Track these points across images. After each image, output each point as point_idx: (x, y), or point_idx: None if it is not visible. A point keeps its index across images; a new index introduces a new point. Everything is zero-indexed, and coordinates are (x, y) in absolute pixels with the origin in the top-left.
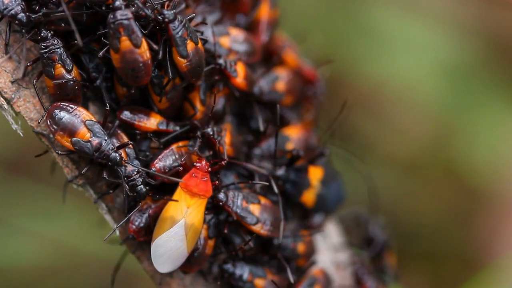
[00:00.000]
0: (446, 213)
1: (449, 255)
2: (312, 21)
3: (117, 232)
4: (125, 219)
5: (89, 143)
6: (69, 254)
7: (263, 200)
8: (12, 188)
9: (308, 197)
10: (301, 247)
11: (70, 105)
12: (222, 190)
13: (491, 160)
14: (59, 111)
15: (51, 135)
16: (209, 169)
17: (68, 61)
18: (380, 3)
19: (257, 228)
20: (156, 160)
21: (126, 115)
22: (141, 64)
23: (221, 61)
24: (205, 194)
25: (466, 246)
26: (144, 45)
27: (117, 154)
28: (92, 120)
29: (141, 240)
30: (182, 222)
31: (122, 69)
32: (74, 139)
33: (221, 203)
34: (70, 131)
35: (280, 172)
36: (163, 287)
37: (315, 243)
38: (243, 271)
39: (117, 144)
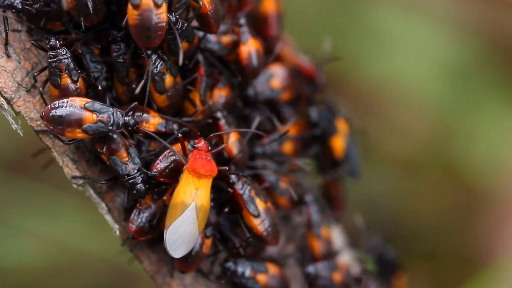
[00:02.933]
0: (446, 213)
1: (449, 255)
2: (313, 21)
3: (117, 232)
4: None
5: (100, 122)
6: (70, 254)
7: (269, 204)
8: (12, 188)
9: (338, 142)
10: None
11: (61, 101)
12: (237, 173)
13: (491, 160)
14: (55, 111)
15: (61, 136)
16: (209, 148)
17: (74, 72)
18: (381, 3)
19: (256, 222)
20: (157, 161)
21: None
22: (157, 25)
23: (241, 21)
24: (211, 174)
25: (466, 246)
26: (164, 7)
27: (130, 117)
28: (90, 101)
29: (141, 240)
30: (193, 205)
31: (137, 27)
32: (84, 126)
33: (231, 181)
34: (77, 122)
35: (314, 111)
36: (163, 287)
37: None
38: (245, 268)
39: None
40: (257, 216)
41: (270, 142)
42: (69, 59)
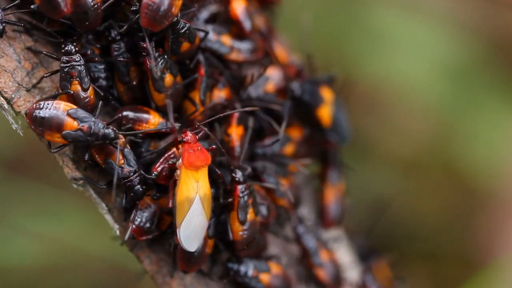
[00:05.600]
0: (446, 213)
1: (449, 255)
2: (312, 21)
3: (117, 232)
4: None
5: (79, 131)
6: (70, 254)
7: (258, 218)
8: (12, 188)
9: (324, 112)
10: None
11: (46, 102)
12: (245, 172)
13: (491, 160)
14: (39, 112)
15: (41, 138)
16: (197, 137)
17: (86, 79)
18: (381, 3)
19: (238, 228)
20: (158, 164)
21: (124, 115)
22: (167, 12)
23: None
24: (207, 162)
25: (466, 246)
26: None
27: (110, 130)
28: (74, 108)
29: (141, 240)
30: (197, 198)
31: (149, 4)
32: (63, 132)
33: (236, 179)
34: (57, 127)
35: (295, 85)
36: (163, 287)
37: None
38: (248, 267)
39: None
40: (243, 224)
41: (271, 143)
42: (82, 66)
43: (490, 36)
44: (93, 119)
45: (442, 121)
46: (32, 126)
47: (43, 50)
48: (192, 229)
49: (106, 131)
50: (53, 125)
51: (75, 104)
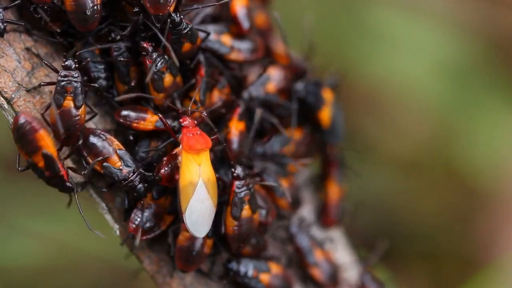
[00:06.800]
0: (446, 213)
1: (449, 255)
2: (313, 21)
3: (117, 232)
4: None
5: (40, 171)
6: (70, 254)
7: (256, 216)
8: (12, 188)
9: (325, 114)
10: None
11: (37, 124)
12: (244, 170)
13: (491, 160)
14: (24, 127)
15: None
16: (195, 121)
17: (80, 97)
18: (381, 3)
19: (231, 223)
20: (161, 166)
21: (123, 115)
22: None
23: None
24: (207, 145)
25: (466, 246)
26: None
27: (69, 185)
28: (48, 152)
29: (142, 239)
30: (201, 181)
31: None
32: (29, 159)
33: (235, 174)
34: (28, 151)
35: (300, 86)
36: (163, 287)
37: None
38: (248, 267)
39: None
40: (236, 219)
41: (270, 143)
42: (79, 83)
43: (490, 36)
44: (60, 172)
45: (442, 121)
46: (13, 132)
47: (43, 50)
48: (199, 214)
49: (67, 184)
50: (26, 146)
51: (63, 120)
